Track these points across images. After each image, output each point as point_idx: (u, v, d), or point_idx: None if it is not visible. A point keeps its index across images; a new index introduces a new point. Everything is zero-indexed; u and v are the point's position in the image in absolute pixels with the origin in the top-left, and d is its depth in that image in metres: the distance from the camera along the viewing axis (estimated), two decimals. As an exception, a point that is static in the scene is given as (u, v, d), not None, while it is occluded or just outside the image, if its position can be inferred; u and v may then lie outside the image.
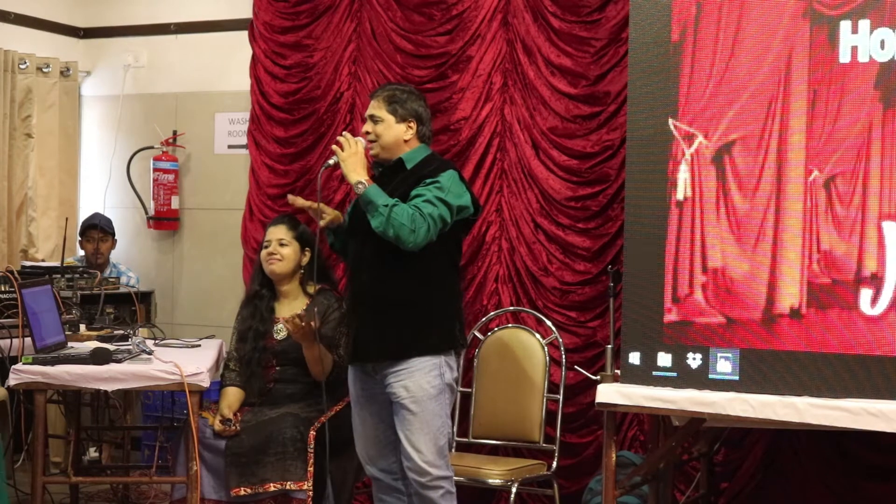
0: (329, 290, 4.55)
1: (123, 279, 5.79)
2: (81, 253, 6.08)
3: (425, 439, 3.84)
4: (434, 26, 5.37)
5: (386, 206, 3.75)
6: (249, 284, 4.75)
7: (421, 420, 3.84)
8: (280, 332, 4.50)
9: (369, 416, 4.00)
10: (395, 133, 3.97)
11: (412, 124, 3.98)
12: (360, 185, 3.84)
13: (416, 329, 3.89)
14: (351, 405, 4.09)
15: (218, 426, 4.25)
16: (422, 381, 3.85)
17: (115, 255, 6.16)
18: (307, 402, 4.40)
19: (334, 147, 3.95)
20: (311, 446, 4.15)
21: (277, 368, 4.48)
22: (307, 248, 4.54)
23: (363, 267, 3.97)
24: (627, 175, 4.11)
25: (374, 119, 3.98)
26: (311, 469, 4.13)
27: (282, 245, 4.52)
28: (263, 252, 4.55)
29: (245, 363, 4.48)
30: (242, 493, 4.11)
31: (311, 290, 4.54)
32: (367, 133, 3.98)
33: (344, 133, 3.98)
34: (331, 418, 4.27)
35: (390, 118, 3.97)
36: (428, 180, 3.86)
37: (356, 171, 3.87)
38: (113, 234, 6.12)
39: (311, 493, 4.10)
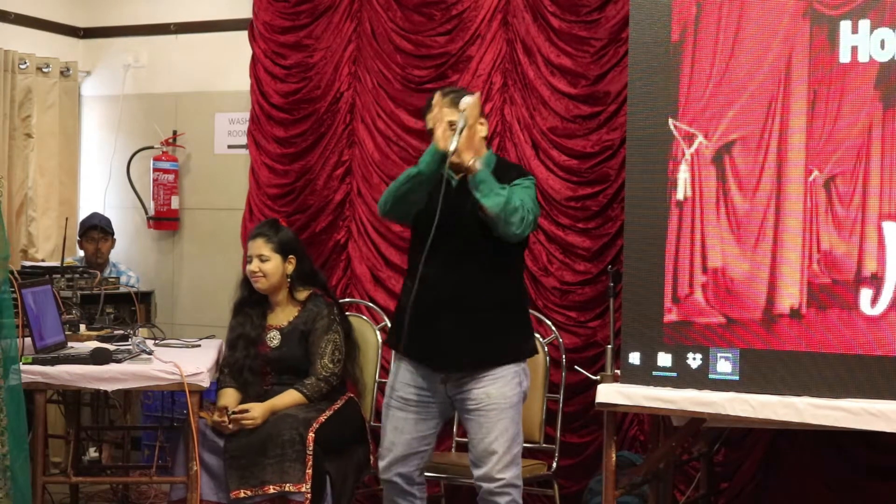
0: (320, 296, 4.53)
1: (123, 279, 5.79)
2: (81, 253, 6.08)
3: (502, 447, 3.77)
4: (434, 26, 5.37)
5: (503, 188, 3.60)
6: (238, 292, 4.63)
7: (500, 428, 3.76)
8: (273, 339, 4.46)
9: (414, 421, 3.87)
10: (482, 133, 3.82)
11: (483, 122, 3.87)
12: (477, 163, 3.64)
13: (505, 336, 3.80)
14: (387, 403, 3.95)
15: (218, 416, 4.19)
16: (505, 388, 3.77)
17: (114, 255, 6.17)
18: (306, 403, 4.38)
19: (463, 112, 3.65)
20: (310, 448, 4.14)
21: (273, 375, 4.46)
22: (290, 256, 4.48)
23: (451, 264, 3.73)
24: (627, 175, 4.11)
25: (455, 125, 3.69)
26: (309, 471, 4.11)
27: (263, 261, 4.44)
28: (248, 268, 4.48)
29: (237, 371, 4.42)
30: (242, 495, 4.09)
31: (300, 296, 4.51)
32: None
33: (473, 94, 3.71)
34: (330, 419, 4.27)
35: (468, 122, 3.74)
36: (521, 179, 3.76)
37: (472, 148, 3.65)
38: (112, 234, 6.12)
39: (309, 494, 4.09)
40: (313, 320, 4.43)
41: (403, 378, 3.90)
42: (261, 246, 4.46)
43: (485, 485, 3.79)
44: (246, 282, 4.54)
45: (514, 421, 3.81)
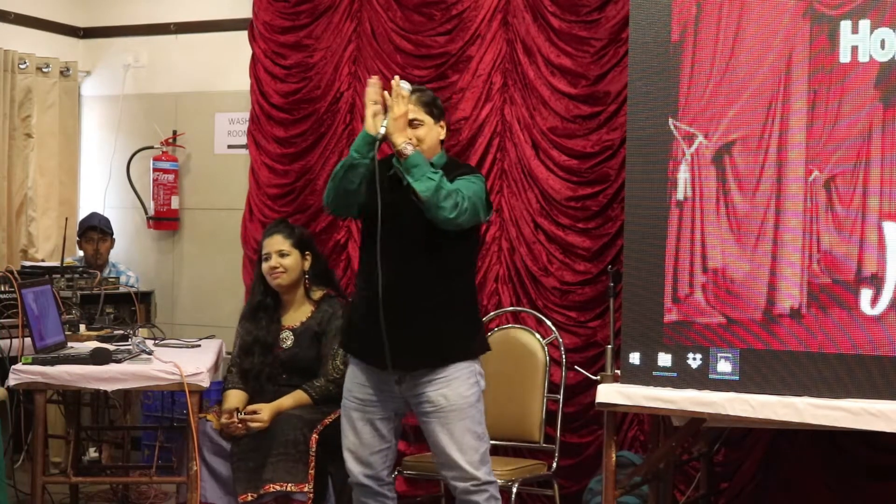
0: (333, 297, 4.51)
1: (123, 279, 5.79)
2: (80, 253, 6.08)
3: (470, 447, 3.72)
4: (434, 26, 5.37)
5: (435, 173, 3.54)
6: (251, 294, 4.62)
7: (463, 428, 3.71)
8: (286, 340, 4.45)
9: (371, 422, 3.81)
10: (435, 135, 3.79)
11: (443, 125, 3.83)
12: (408, 146, 3.57)
13: (455, 333, 3.75)
14: (344, 404, 3.89)
15: (227, 419, 4.18)
16: (461, 388, 3.71)
17: (114, 255, 6.17)
18: (311, 404, 4.37)
19: (378, 99, 3.62)
20: (313, 449, 4.14)
21: (285, 377, 4.43)
22: (307, 252, 4.49)
23: (395, 259, 3.64)
24: (627, 175, 4.11)
25: (415, 123, 3.70)
26: (311, 472, 4.11)
27: (282, 256, 4.42)
28: (265, 266, 4.43)
29: (254, 377, 4.39)
30: (250, 498, 4.08)
31: (315, 296, 4.51)
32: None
33: (396, 79, 3.64)
34: (335, 421, 4.25)
35: (429, 119, 3.76)
36: (466, 175, 3.71)
37: (404, 131, 3.60)
38: (111, 235, 6.12)
39: (311, 494, 4.09)
40: (328, 321, 4.41)
41: (357, 378, 3.83)
42: (280, 242, 4.44)
43: (459, 485, 3.73)
44: (259, 284, 4.50)
45: (476, 420, 3.75)
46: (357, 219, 3.87)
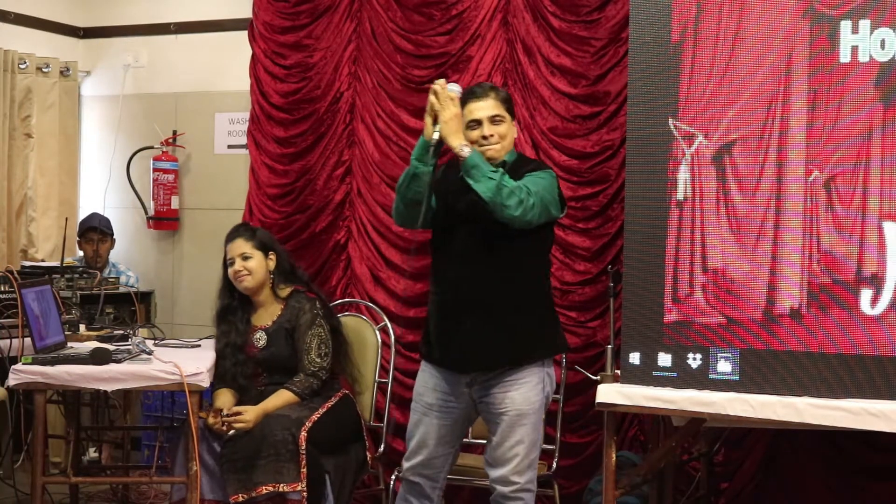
0: (302, 292, 4.52)
1: (123, 279, 5.79)
2: (80, 253, 6.08)
3: (522, 452, 3.74)
4: (434, 26, 5.37)
5: (495, 171, 3.54)
6: (219, 300, 4.60)
7: (521, 433, 3.73)
8: (260, 340, 4.46)
9: (437, 428, 3.83)
10: (514, 132, 3.83)
11: (514, 122, 3.87)
12: (464, 148, 3.56)
13: (528, 336, 3.76)
14: (413, 407, 3.90)
15: (213, 419, 4.20)
16: (529, 393, 3.74)
17: (114, 255, 6.17)
18: (298, 402, 4.37)
19: (433, 104, 3.59)
20: (303, 447, 4.13)
21: (265, 376, 4.45)
22: (270, 252, 4.49)
23: (465, 261, 3.70)
24: (627, 175, 4.11)
25: (497, 119, 3.74)
26: (304, 470, 4.11)
27: (245, 259, 4.44)
28: (230, 270, 4.46)
29: (231, 378, 4.40)
30: (241, 498, 4.09)
31: (283, 293, 4.51)
32: (487, 136, 3.72)
33: (441, 84, 3.62)
34: (323, 417, 4.26)
35: (508, 116, 3.79)
36: (535, 172, 3.72)
37: (458, 133, 3.60)
38: (112, 235, 6.12)
39: (305, 493, 4.09)
40: (297, 316, 4.43)
41: (428, 383, 3.86)
42: (241, 245, 4.46)
43: (499, 487, 3.77)
44: (226, 288, 4.53)
45: (536, 427, 3.78)
46: (428, 228, 3.85)
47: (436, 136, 3.60)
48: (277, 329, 4.46)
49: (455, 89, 3.65)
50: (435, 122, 3.61)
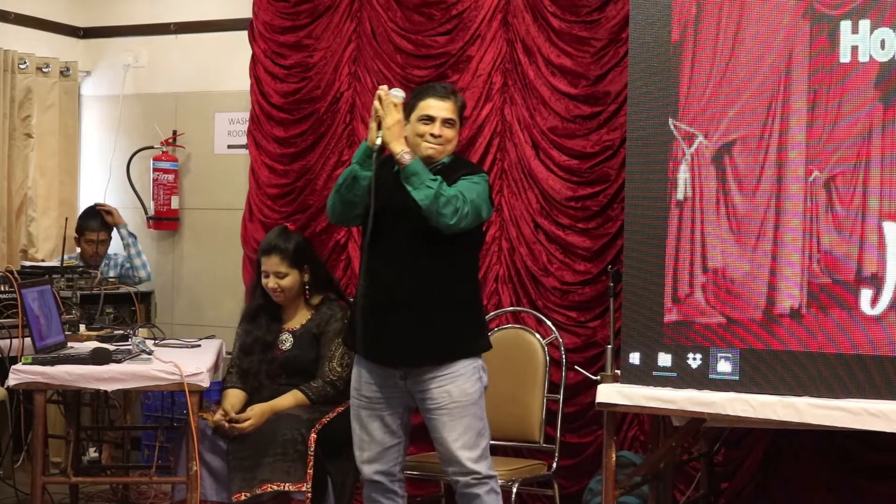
0: (333, 300, 4.53)
1: (138, 262, 5.83)
2: (78, 250, 6.05)
3: (472, 443, 3.78)
4: (434, 26, 5.37)
5: (434, 180, 3.59)
6: (251, 297, 4.63)
7: (465, 425, 3.77)
8: (285, 342, 4.47)
9: (381, 418, 3.88)
10: (456, 140, 3.88)
11: (453, 124, 3.87)
12: (405, 155, 3.62)
13: (460, 331, 3.80)
14: (352, 403, 3.96)
15: (218, 417, 4.20)
16: (465, 385, 3.77)
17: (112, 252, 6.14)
18: (308, 405, 4.37)
19: (376, 110, 3.65)
20: (312, 448, 4.14)
21: (284, 377, 4.45)
22: (305, 266, 4.49)
23: (395, 257, 3.74)
24: (627, 175, 4.11)
25: (450, 122, 3.80)
26: (310, 471, 4.11)
27: (280, 277, 4.43)
28: (265, 282, 4.45)
29: (252, 375, 4.41)
30: (244, 498, 4.09)
31: (314, 301, 4.52)
32: (437, 136, 3.77)
33: (383, 90, 3.68)
34: (333, 420, 4.27)
35: (458, 122, 3.84)
36: (469, 176, 3.76)
37: (400, 139, 3.65)
38: (109, 230, 6.07)
39: (309, 494, 4.09)
40: (326, 322, 4.44)
41: (363, 376, 3.90)
42: (277, 264, 4.43)
43: (461, 479, 3.81)
44: (257, 287, 4.53)
45: (478, 416, 3.82)
46: (359, 226, 3.91)
47: (378, 141, 3.65)
48: (304, 333, 4.46)
49: (398, 95, 3.69)
50: (379, 127, 3.66)
